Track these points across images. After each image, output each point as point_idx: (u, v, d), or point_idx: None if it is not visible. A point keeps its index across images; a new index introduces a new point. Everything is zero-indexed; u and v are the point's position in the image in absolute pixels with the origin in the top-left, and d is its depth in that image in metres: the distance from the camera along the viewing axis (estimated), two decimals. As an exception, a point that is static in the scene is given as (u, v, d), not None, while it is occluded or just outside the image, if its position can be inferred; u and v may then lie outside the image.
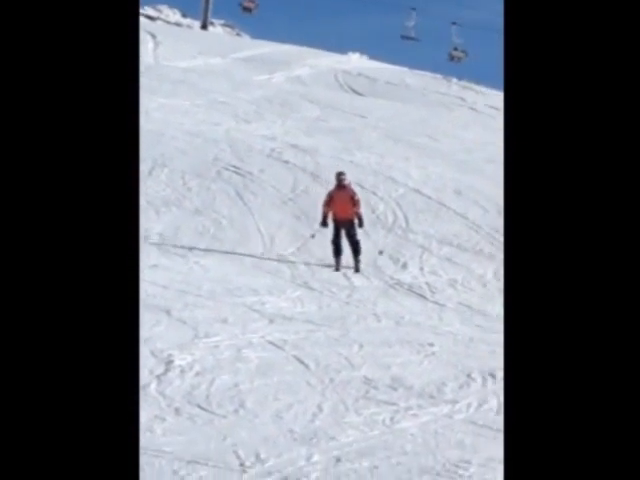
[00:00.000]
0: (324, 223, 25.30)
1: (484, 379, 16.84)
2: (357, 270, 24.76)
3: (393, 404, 15.07)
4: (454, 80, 48.78)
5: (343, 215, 25.04)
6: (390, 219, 27.87)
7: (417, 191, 29.83)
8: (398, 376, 16.50)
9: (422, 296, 23.78)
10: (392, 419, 14.36)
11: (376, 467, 12.07)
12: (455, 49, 61.59)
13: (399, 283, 24.44)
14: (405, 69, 50.57)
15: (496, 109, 44.63)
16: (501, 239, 26.79)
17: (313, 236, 26.02)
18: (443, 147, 35.51)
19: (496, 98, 46.29)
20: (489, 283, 24.62)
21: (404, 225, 27.60)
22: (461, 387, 16.38)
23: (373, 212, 28.20)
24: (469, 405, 15.52)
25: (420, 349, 18.48)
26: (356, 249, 24.95)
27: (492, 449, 13.22)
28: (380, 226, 27.42)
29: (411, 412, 14.80)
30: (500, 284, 24.39)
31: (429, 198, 29.54)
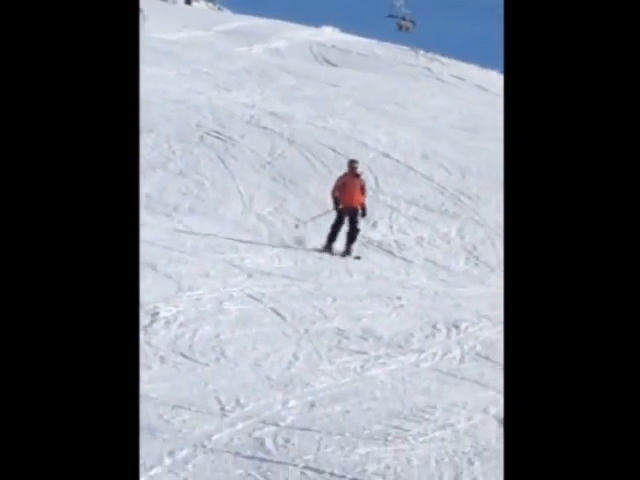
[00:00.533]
0: (337, 206, 23.11)
1: (448, 330, 16.87)
2: (347, 253, 22.87)
3: (364, 353, 15.06)
4: (421, 52, 48.69)
5: (351, 202, 22.96)
6: (361, 181, 27.80)
7: (386, 155, 29.80)
8: (368, 327, 16.50)
9: (391, 253, 23.81)
10: (363, 367, 14.36)
11: (348, 412, 12.05)
12: (403, 19, 60.60)
13: (370, 241, 24.44)
14: (374, 41, 50.48)
15: (460, 79, 44.60)
16: (464, 199, 26.79)
17: (297, 226, 24.58)
18: (411, 114, 35.46)
19: (460, 68, 46.25)
20: (453, 241, 24.64)
21: (374, 187, 27.55)
22: (427, 337, 16.40)
23: (345, 175, 28.16)
24: (434, 354, 15.53)
25: (389, 302, 18.49)
26: (353, 236, 22.99)
27: (456, 395, 13.23)
28: (352, 188, 27.36)
29: (380, 360, 14.79)
30: (464, 242, 24.42)
31: (397, 162, 29.50)
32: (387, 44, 50.62)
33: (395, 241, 24.37)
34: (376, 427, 11.46)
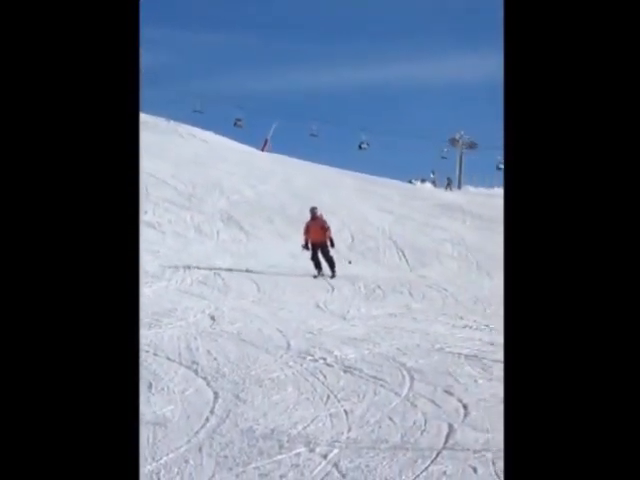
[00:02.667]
0: (306, 246, 17.80)
1: (184, 269, 16.79)
2: (333, 276, 17.12)
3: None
4: (171, 121, 47.55)
5: (317, 239, 17.67)
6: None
7: (152, 175, 29.01)
8: (142, 266, 16.23)
9: (154, 227, 23.29)
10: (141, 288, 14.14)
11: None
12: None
13: (144, 222, 23.90)
14: (150, 116, 48.94)
15: (192, 135, 44.08)
16: (193, 200, 26.50)
17: (350, 262, 19.25)
18: (169, 154, 34.70)
19: (191, 130, 45.75)
20: (187, 222, 24.26)
21: (146, 193, 26.91)
22: (173, 273, 16.29)
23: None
24: (177, 281, 15.44)
25: (153, 254, 18.28)
26: (330, 263, 17.47)
27: (188, 303, 13.16)
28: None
29: (148, 285, 14.61)
30: (193, 222, 24.12)
31: (158, 179, 28.78)
32: (154, 117, 49.34)
33: (157, 222, 23.87)
34: (145, 319, 11.26)
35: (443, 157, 53.27)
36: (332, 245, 17.71)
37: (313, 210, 18.31)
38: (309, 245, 17.73)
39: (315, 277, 17.12)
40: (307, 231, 17.97)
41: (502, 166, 52.28)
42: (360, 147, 49.69)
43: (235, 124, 48.99)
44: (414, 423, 6.90)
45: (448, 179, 48.78)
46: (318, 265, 17.55)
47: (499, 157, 51.79)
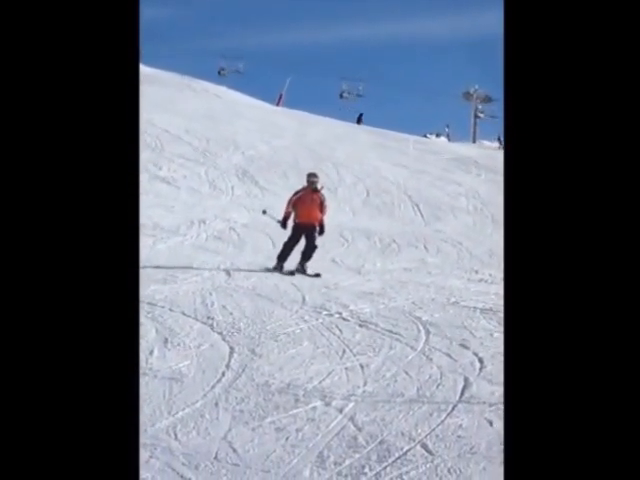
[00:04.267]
0: (284, 224, 12.38)
1: (199, 224, 16.75)
2: (300, 271, 12.02)
3: (154, 236, 14.82)
4: (185, 76, 47.44)
5: (308, 219, 12.23)
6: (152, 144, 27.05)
7: (166, 131, 28.94)
8: (157, 222, 16.20)
9: (169, 183, 23.24)
10: (154, 243, 14.14)
11: (145, 267, 11.83)
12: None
13: (158, 177, 23.82)
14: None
15: (205, 91, 43.85)
16: (208, 155, 26.40)
17: (264, 212, 13.19)
18: (178, 108, 34.55)
19: (204, 85, 45.50)
20: (202, 177, 24.16)
21: (160, 148, 26.79)
22: (187, 227, 16.26)
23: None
24: (192, 237, 15.43)
25: (167, 209, 18.21)
26: (308, 254, 12.18)
27: (203, 258, 13.15)
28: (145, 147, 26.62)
29: (163, 240, 14.58)
30: (208, 177, 24.05)
31: (172, 134, 28.70)
32: (167, 72, 49.06)
33: (172, 177, 23.78)
34: (160, 275, 11.26)
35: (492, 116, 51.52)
36: (322, 232, 12.41)
37: (312, 178, 12.53)
38: (287, 223, 12.44)
39: (270, 270, 12.15)
40: (295, 204, 12.37)
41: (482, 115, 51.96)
42: (341, 96, 49.38)
43: (219, 73, 49.19)
44: (430, 377, 6.88)
45: (499, 138, 45.95)
46: (285, 256, 12.24)
47: (482, 107, 51.43)
